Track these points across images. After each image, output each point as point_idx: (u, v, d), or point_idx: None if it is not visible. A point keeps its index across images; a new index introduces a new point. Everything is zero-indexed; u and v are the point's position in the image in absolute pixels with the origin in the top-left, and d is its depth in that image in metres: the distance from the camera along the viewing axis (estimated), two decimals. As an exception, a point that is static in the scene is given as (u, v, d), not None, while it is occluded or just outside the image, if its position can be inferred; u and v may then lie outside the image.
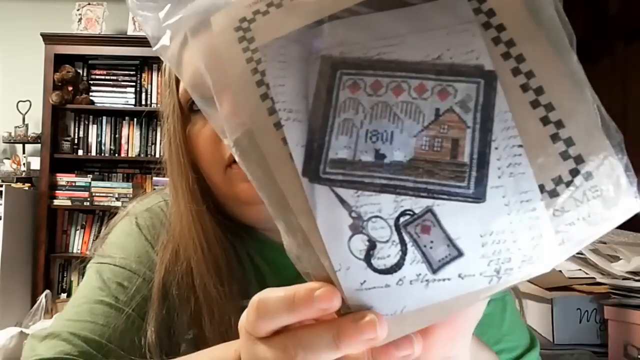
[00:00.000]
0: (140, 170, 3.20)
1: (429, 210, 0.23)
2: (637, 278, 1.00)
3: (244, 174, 0.53)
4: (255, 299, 0.28)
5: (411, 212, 0.23)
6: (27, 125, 3.16)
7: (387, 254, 0.23)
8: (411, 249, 0.23)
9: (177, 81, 0.57)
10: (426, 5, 0.24)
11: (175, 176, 0.58)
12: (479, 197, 0.23)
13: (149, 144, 3.15)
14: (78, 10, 3.12)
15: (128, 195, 3.03)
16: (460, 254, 0.23)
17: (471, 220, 0.23)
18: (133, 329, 0.53)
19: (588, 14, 2.47)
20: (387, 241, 0.23)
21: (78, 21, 3.11)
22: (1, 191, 2.78)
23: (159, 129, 3.14)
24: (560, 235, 0.23)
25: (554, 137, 0.23)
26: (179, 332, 0.56)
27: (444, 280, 0.23)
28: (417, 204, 0.23)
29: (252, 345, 0.29)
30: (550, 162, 0.23)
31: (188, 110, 0.57)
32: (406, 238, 0.23)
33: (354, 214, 0.23)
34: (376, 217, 0.23)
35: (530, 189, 0.23)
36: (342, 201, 0.24)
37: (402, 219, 0.23)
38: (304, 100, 0.24)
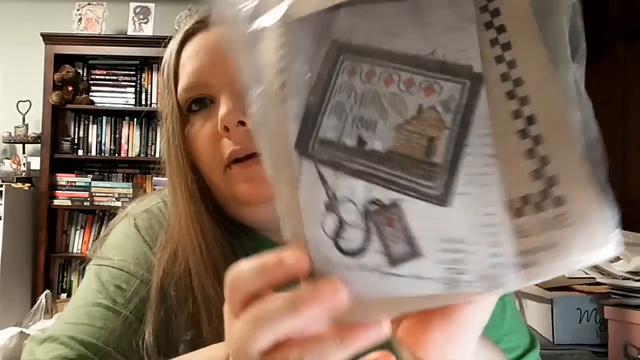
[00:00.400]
0: (140, 170, 3.20)
1: (396, 203, 0.23)
2: (637, 278, 1.00)
3: (243, 175, 0.53)
4: (229, 272, 0.29)
5: (380, 203, 0.24)
6: (27, 125, 3.16)
7: (353, 237, 0.24)
8: (375, 238, 0.24)
9: (176, 82, 0.57)
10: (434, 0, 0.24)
11: (174, 177, 0.58)
12: (444, 200, 0.23)
13: (149, 144, 3.15)
14: (78, 10, 3.12)
15: (128, 195, 3.02)
16: (419, 254, 0.23)
17: (434, 223, 0.23)
18: (130, 331, 0.54)
19: (588, 14, 2.47)
20: (354, 226, 0.24)
21: (78, 21, 3.11)
22: (1, 191, 2.78)
23: (158, 129, 3.13)
24: (523, 258, 0.22)
25: (529, 153, 0.22)
26: (177, 334, 0.56)
27: (400, 276, 0.24)
28: (386, 196, 0.24)
29: (229, 324, 0.29)
30: (521, 179, 0.22)
31: (187, 111, 0.57)
32: (372, 226, 0.24)
33: (330, 193, 0.24)
34: (349, 200, 0.24)
35: (495, 202, 0.22)
36: (323, 179, 0.24)
37: (371, 207, 0.24)
38: (308, 80, 0.25)
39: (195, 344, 0.54)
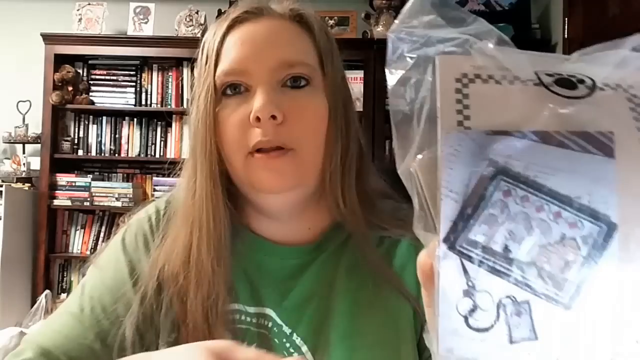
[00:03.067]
0: (140, 170, 3.19)
1: (527, 302, 0.30)
2: None
3: (264, 164, 0.56)
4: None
5: (513, 298, 0.30)
6: (27, 125, 3.16)
7: (483, 319, 0.30)
8: (502, 322, 0.30)
9: (216, 63, 0.60)
10: (586, 156, 0.30)
11: (198, 154, 0.60)
12: (568, 306, 0.29)
13: (149, 144, 3.15)
14: (78, 10, 3.12)
15: (128, 195, 3.02)
16: (535, 338, 0.29)
17: (555, 319, 0.29)
18: (97, 339, 0.59)
19: (588, 14, 2.47)
20: (486, 310, 0.30)
21: (78, 21, 3.11)
22: (1, 191, 2.78)
23: (159, 129, 3.14)
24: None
25: None
26: (162, 333, 0.59)
27: (514, 351, 0.30)
28: (520, 295, 0.30)
29: None
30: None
31: (221, 94, 0.59)
32: (501, 314, 0.30)
33: (470, 283, 0.30)
34: (486, 291, 0.30)
35: (606, 316, 0.29)
36: (465, 271, 0.30)
37: (504, 300, 0.30)
38: (464, 186, 0.30)
39: (179, 342, 0.56)
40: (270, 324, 0.61)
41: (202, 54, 0.63)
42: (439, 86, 0.32)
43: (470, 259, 0.30)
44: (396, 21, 0.35)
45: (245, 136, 0.57)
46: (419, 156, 0.33)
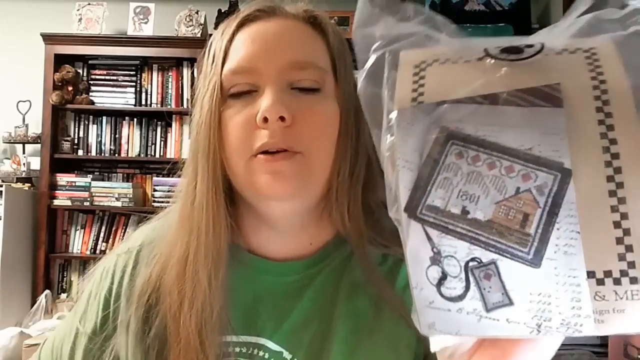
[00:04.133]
0: (140, 170, 3.19)
1: (494, 262, 0.29)
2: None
3: (267, 167, 0.54)
4: None
5: (479, 260, 0.30)
6: (27, 125, 3.16)
7: (454, 286, 0.30)
8: (473, 288, 0.30)
9: (223, 62, 0.57)
10: (534, 109, 0.30)
11: (199, 157, 0.57)
12: (535, 263, 0.29)
13: (149, 144, 3.15)
14: (78, 10, 3.12)
15: (128, 195, 3.02)
16: (511, 302, 0.29)
17: (525, 279, 0.29)
18: (81, 344, 0.60)
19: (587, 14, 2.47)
20: (455, 277, 0.30)
21: (78, 21, 3.11)
22: (1, 191, 2.78)
23: (159, 129, 3.14)
24: (597, 316, 0.28)
25: (619, 240, 0.28)
26: (150, 353, 0.57)
27: (493, 319, 0.29)
28: (485, 255, 0.30)
29: None
30: (609, 258, 0.28)
31: (227, 94, 0.57)
32: (471, 278, 0.30)
33: (435, 250, 0.30)
34: (451, 256, 0.30)
35: (579, 268, 0.28)
36: (429, 238, 0.30)
37: (470, 263, 0.30)
38: (419, 155, 0.31)
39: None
40: (264, 354, 0.58)
41: (208, 52, 0.60)
42: (399, 71, 0.34)
43: (431, 224, 0.30)
44: (354, 24, 0.37)
45: (250, 138, 0.54)
46: (385, 138, 0.33)
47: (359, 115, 0.58)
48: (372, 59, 0.36)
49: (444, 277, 0.30)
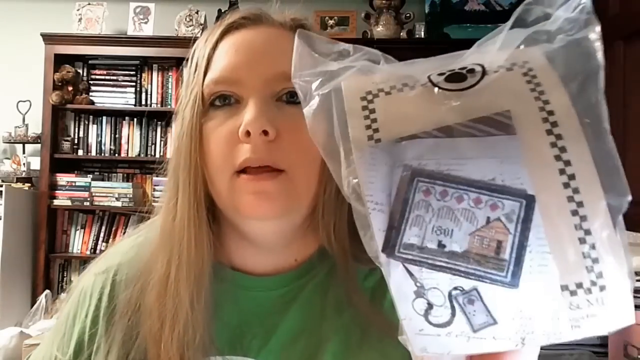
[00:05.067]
0: (140, 170, 3.20)
1: (475, 289, 0.31)
2: (637, 278, 1.00)
3: (251, 187, 0.51)
4: None
5: (461, 288, 0.31)
6: (27, 125, 3.16)
7: (441, 314, 0.32)
8: (459, 313, 0.31)
9: (206, 71, 0.54)
10: (489, 139, 0.32)
11: (180, 171, 0.55)
12: (513, 284, 0.31)
13: (149, 144, 3.15)
14: (78, 10, 3.12)
15: (128, 195, 3.02)
16: (495, 322, 0.31)
17: (506, 300, 0.31)
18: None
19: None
20: (441, 305, 0.31)
21: (78, 21, 3.11)
22: (1, 191, 2.78)
23: (159, 129, 3.14)
24: (574, 323, 0.31)
25: (585, 254, 0.30)
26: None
27: (480, 338, 0.31)
28: (467, 283, 0.31)
29: None
30: (578, 271, 0.30)
31: (209, 105, 0.54)
32: (455, 305, 0.31)
33: (418, 284, 0.32)
34: (434, 288, 0.32)
35: (553, 284, 0.30)
36: (410, 274, 0.32)
37: (454, 292, 0.31)
38: (387, 196, 0.32)
39: None
40: None
41: (191, 60, 0.57)
42: (347, 107, 0.34)
43: (411, 262, 0.32)
44: (292, 70, 0.38)
45: (232, 153, 0.51)
46: (347, 177, 0.34)
47: None
48: (316, 99, 0.37)
49: (430, 307, 0.32)
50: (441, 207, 0.32)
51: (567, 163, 0.31)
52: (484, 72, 0.33)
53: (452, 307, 0.31)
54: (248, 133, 0.50)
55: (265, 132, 0.50)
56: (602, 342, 1.01)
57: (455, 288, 0.31)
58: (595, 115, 0.31)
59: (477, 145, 0.31)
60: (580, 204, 0.30)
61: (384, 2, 2.98)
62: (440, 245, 0.31)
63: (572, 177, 0.30)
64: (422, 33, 3.07)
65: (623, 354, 0.97)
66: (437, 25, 3.00)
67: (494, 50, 0.34)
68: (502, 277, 0.31)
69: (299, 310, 0.57)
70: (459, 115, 0.32)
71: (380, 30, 2.99)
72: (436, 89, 0.34)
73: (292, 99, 0.53)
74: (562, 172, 0.31)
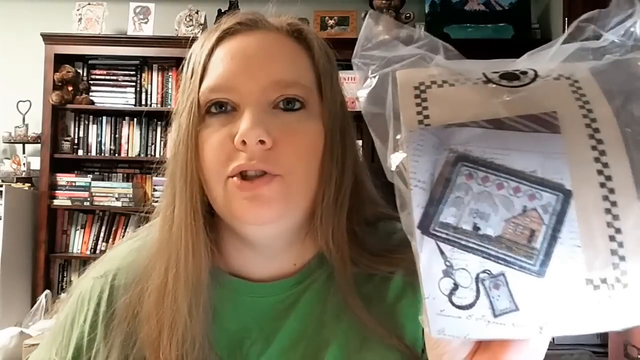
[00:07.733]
0: (140, 170, 3.20)
1: (502, 274, 0.32)
2: None
3: (246, 192, 0.51)
4: None
5: (489, 272, 0.32)
6: (27, 125, 3.16)
7: (465, 295, 0.32)
8: (482, 297, 0.32)
9: (202, 78, 0.54)
10: (535, 135, 0.33)
11: (177, 179, 0.54)
12: (540, 273, 0.32)
13: (149, 144, 3.15)
14: (78, 10, 3.12)
15: (128, 195, 3.02)
16: (517, 309, 0.32)
17: (531, 288, 0.32)
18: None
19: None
20: (467, 287, 0.32)
21: (78, 21, 3.11)
22: (1, 191, 2.78)
23: (159, 129, 3.14)
24: (593, 316, 0.32)
25: (613, 252, 0.31)
26: None
27: (500, 324, 0.32)
28: (495, 268, 0.32)
29: None
30: (604, 267, 0.32)
31: (205, 112, 0.54)
32: (481, 288, 0.32)
33: (447, 263, 0.33)
34: (463, 269, 0.33)
35: (579, 277, 0.32)
36: (442, 252, 0.33)
37: (481, 275, 0.32)
38: (430, 175, 0.33)
39: None
40: None
41: (187, 66, 0.57)
42: (400, 93, 0.36)
43: (444, 240, 0.33)
44: (355, 49, 0.40)
45: (228, 160, 0.51)
46: (393, 155, 0.36)
47: (345, 135, 0.57)
48: (372, 81, 0.39)
49: (455, 287, 0.33)
50: (481, 191, 0.33)
51: (605, 165, 0.32)
52: (536, 75, 0.36)
53: (477, 290, 0.32)
54: (244, 142, 0.50)
55: (261, 142, 0.50)
56: (602, 342, 1.01)
57: (484, 271, 0.32)
58: (636, 126, 0.33)
59: (523, 139, 0.33)
60: (614, 204, 0.32)
61: (384, 2, 2.98)
62: (475, 227, 0.33)
63: (609, 178, 0.32)
64: (422, 33, 3.07)
65: (623, 354, 0.97)
66: (437, 25, 3.00)
67: (544, 61, 0.36)
68: (530, 265, 0.32)
69: (298, 316, 0.57)
70: (508, 110, 0.34)
71: (380, 30, 2.99)
72: (490, 83, 0.35)
73: (288, 105, 0.53)
74: (599, 172, 0.32)
